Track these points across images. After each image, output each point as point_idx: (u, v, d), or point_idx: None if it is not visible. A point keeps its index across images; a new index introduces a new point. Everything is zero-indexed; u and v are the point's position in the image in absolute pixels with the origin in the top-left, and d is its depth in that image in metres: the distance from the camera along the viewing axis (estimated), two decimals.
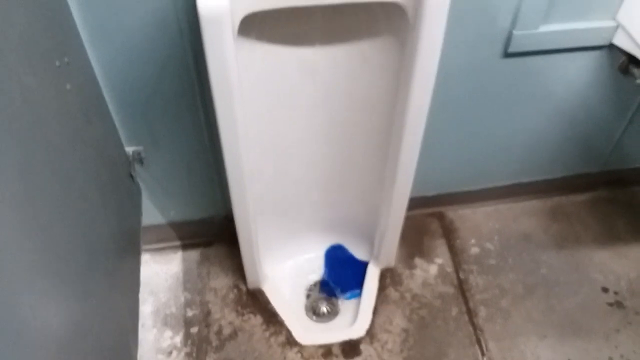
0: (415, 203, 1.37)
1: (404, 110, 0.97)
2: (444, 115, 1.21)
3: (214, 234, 1.39)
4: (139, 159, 1.14)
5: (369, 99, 1.04)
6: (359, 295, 1.32)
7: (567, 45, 1.12)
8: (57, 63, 0.77)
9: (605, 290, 1.35)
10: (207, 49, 0.80)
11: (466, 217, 1.50)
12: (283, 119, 1.06)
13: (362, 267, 1.36)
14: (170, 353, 1.21)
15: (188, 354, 1.21)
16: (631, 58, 1.15)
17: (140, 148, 1.13)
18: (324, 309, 1.31)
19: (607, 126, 1.36)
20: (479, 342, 1.24)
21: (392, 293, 1.32)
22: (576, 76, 1.20)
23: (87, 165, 0.86)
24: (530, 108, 1.25)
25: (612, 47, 1.14)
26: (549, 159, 1.42)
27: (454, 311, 1.29)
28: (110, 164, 1.00)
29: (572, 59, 1.16)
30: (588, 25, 1.09)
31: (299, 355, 1.21)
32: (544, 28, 1.07)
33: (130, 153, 1.12)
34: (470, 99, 1.20)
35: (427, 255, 1.40)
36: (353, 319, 1.28)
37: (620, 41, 1.11)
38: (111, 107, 1.03)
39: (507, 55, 1.11)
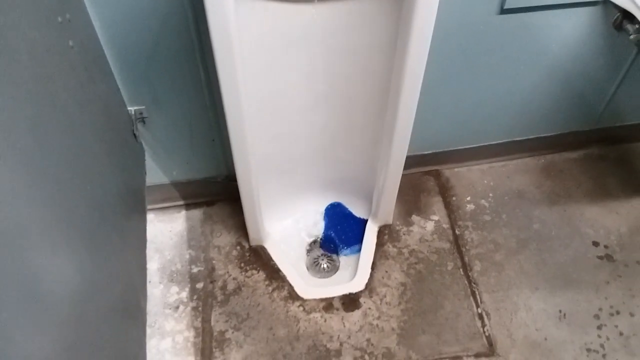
0: (412, 161, 1.41)
1: (401, 68, 0.98)
2: (440, 73, 1.22)
3: (216, 193, 1.42)
4: (141, 118, 1.16)
5: (367, 56, 1.05)
6: (358, 251, 1.36)
7: (562, 0, 1.12)
8: (59, 19, 0.78)
9: (595, 244, 1.39)
10: (208, 5, 0.81)
11: (462, 175, 1.53)
12: (282, 78, 1.07)
13: (361, 224, 1.40)
14: (177, 308, 1.25)
15: (194, 308, 1.25)
16: (625, 14, 1.16)
17: (142, 108, 1.14)
18: (324, 264, 1.35)
19: (600, 83, 1.38)
20: (473, 294, 1.29)
21: (390, 249, 1.36)
22: (570, 33, 1.21)
23: (92, 123, 0.88)
24: (525, 65, 1.27)
25: (606, 3, 1.15)
26: (543, 117, 1.44)
27: (450, 265, 1.34)
28: (113, 123, 1.02)
29: (567, 15, 1.16)
30: None
31: (301, 308, 1.25)
32: None
33: (133, 112, 1.14)
34: (465, 56, 1.21)
35: (424, 212, 1.44)
36: (352, 274, 1.32)
37: None
38: (113, 66, 1.04)
39: (503, 11, 1.12)
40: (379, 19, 0.98)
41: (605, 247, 1.38)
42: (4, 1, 0.59)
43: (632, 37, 1.14)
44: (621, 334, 1.23)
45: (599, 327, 1.24)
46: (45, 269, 0.63)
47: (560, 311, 1.26)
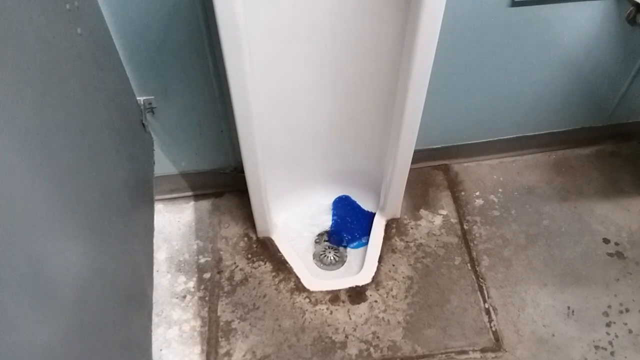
0: (420, 155, 1.40)
1: (409, 61, 0.98)
2: (449, 66, 1.21)
3: (224, 184, 1.42)
4: (150, 108, 1.17)
5: (376, 48, 1.05)
6: (365, 244, 1.36)
7: None
8: (67, 6, 0.78)
9: (606, 241, 1.37)
10: None
11: (471, 170, 1.52)
12: (290, 69, 1.08)
13: (369, 217, 1.39)
14: (184, 297, 1.26)
15: (201, 298, 1.26)
16: (639, 7, 1.14)
17: (151, 98, 1.15)
18: (331, 257, 1.35)
19: (613, 78, 1.36)
20: (481, 289, 1.28)
21: (398, 242, 1.36)
22: (583, 26, 1.19)
23: (100, 111, 0.88)
24: (536, 59, 1.25)
25: None
26: (554, 112, 1.42)
27: (458, 260, 1.33)
28: (122, 112, 1.02)
29: (579, 9, 1.15)
30: None
31: (307, 300, 1.25)
32: None
33: (142, 102, 1.14)
34: (476, 49, 1.20)
35: (432, 207, 1.43)
36: (359, 266, 1.32)
37: None
38: (122, 55, 1.05)
39: (514, 3, 1.11)
40: (387, 9, 0.98)
41: (616, 244, 1.36)
42: None
43: None
44: (630, 331, 1.21)
45: (608, 325, 1.22)
46: (49, 253, 0.64)
47: (568, 308, 1.25)
